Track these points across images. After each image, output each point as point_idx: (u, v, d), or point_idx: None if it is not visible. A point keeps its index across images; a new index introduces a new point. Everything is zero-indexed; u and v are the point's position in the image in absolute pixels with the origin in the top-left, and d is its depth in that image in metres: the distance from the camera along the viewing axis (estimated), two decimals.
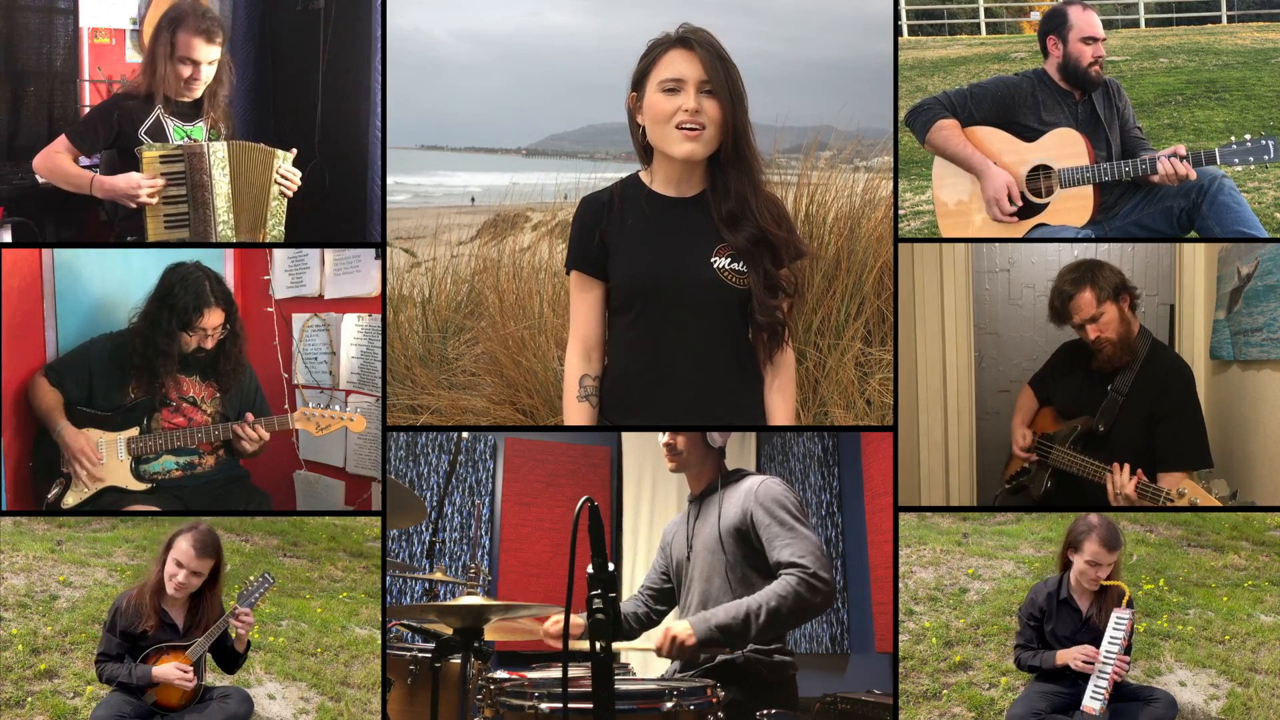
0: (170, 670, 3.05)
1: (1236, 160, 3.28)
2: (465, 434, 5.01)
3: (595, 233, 2.47)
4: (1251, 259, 3.60)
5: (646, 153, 2.49)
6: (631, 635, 3.14)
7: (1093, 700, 2.91)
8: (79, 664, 3.61)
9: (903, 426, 3.82)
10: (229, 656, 3.21)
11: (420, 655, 2.97)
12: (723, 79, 2.37)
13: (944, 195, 3.56)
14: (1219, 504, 3.07)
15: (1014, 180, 3.40)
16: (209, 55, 3.43)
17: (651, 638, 2.66)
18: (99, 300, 3.73)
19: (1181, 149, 3.30)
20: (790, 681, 2.83)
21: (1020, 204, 3.41)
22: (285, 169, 3.52)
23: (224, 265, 4.00)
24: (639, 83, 2.44)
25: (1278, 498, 3.43)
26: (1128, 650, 2.96)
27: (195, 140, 3.47)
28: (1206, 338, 3.84)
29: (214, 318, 3.50)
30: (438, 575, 3.44)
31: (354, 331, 3.91)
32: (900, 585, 3.84)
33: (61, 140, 3.46)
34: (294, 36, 4.12)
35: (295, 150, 3.56)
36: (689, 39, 2.39)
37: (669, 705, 2.37)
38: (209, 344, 3.52)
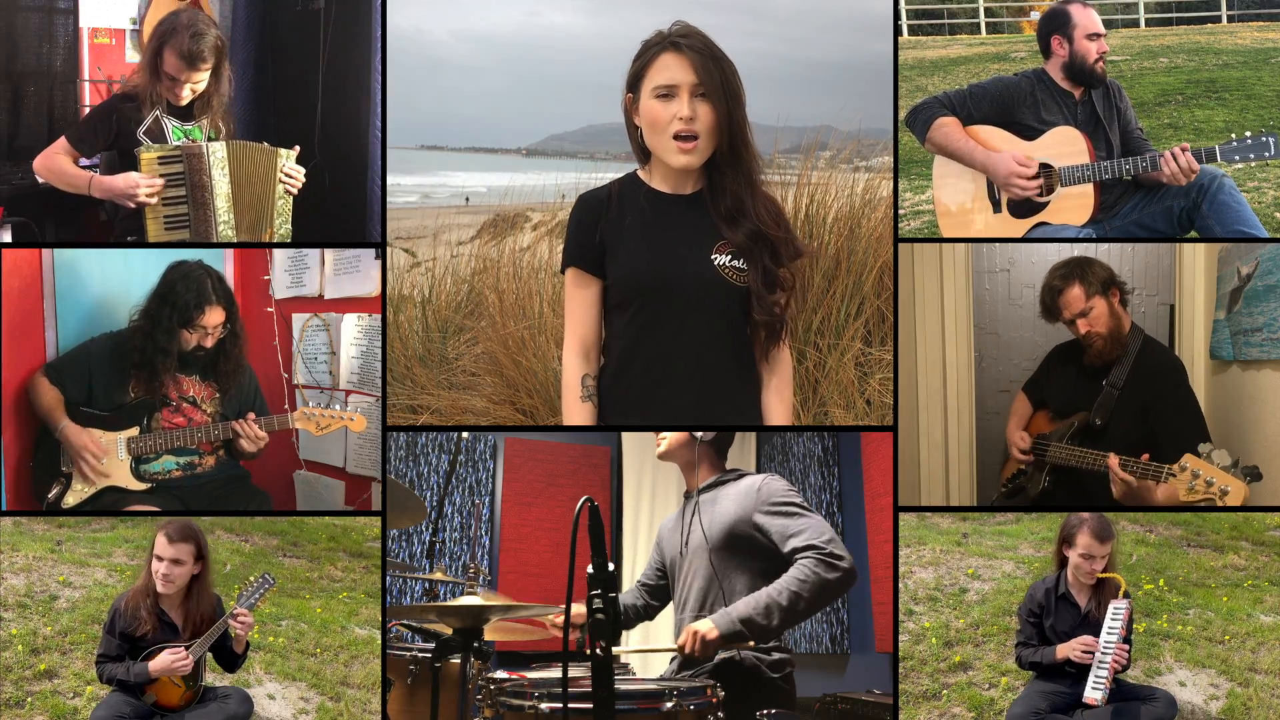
0: (164, 658, 3.03)
1: (1237, 157, 3.28)
2: (465, 434, 5.00)
3: (594, 230, 2.46)
4: (1251, 259, 3.60)
5: (644, 152, 2.48)
6: (628, 626, 3.16)
7: (1094, 691, 2.92)
8: (79, 664, 3.61)
9: (903, 426, 3.82)
10: (229, 657, 3.21)
11: (420, 655, 2.97)
12: (716, 81, 2.35)
13: (944, 198, 3.57)
14: (1226, 474, 2.99)
15: (1020, 154, 3.40)
16: (195, 77, 3.41)
17: (674, 640, 2.68)
18: (99, 300, 3.73)
19: (1185, 146, 3.30)
20: (789, 680, 2.83)
21: (1036, 168, 3.40)
22: (289, 167, 3.51)
23: (224, 265, 4.00)
24: (634, 84, 2.43)
25: (1278, 498, 3.42)
26: (1127, 640, 2.99)
27: (194, 141, 3.47)
28: (1206, 338, 3.84)
29: (215, 316, 3.50)
30: (438, 575, 3.44)
31: (354, 331, 3.91)
32: (900, 585, 3.84)
33: (61, 142, 3.46)
34: (294, 36, 4.12)
35: (299, 148, 3.55)
36: (679, 42, 2.36)
37: (669, 705, 2.37)
38: (209, 342, 3.52)
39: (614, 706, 2.04)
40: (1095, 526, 3.07)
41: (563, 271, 2.52)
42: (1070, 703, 3.02)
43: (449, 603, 2.87)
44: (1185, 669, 3.58)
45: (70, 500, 3.41)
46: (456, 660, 2.86)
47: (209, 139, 3.50)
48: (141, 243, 3.46)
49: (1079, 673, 3.00)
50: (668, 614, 3.13)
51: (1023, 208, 3.47)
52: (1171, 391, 3.33)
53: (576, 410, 2.48)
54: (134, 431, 3.45)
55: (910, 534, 4.02)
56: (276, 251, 4.09)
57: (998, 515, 4.15)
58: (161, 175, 3.40)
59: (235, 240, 3.54)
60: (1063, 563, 3.16)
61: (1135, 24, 9.77)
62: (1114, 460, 3.17)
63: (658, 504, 5.28)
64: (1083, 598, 3.11)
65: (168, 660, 3.04)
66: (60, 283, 3.62)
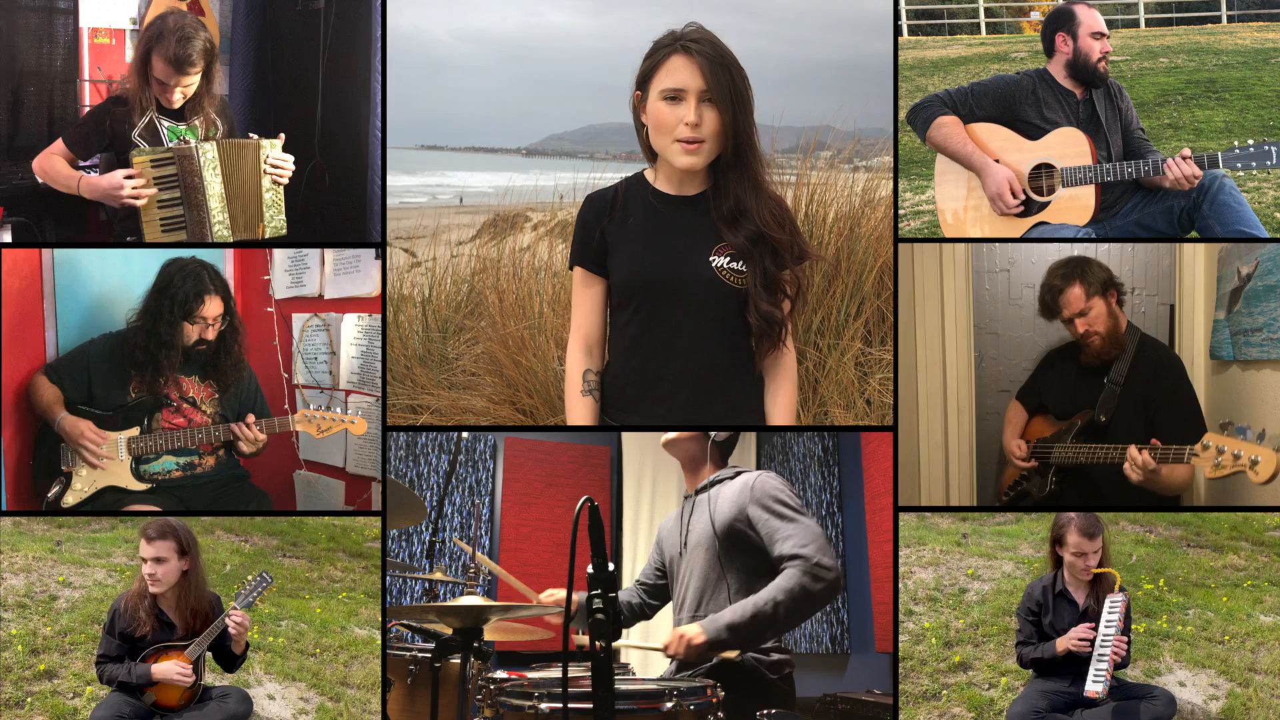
0: (170, 668, 3.05)
1: (1239, 165, 3.31)
2: (465, 434, 5.00)
3: (597, 229, 2.48)
4: (1251, 259, 3.60)
5: (651, 150, 2.48)
6: (625, 623, 3.15)
7: (1094, 683, 2.93)
8: (78, 664, 3.61)
9: (903, 426, 3.82)
10: (228, 656, 3.21)
11: (420, 655, 2.97)
12: (725, 87, 2.35)
13: (944, 203, 3.58)
14: (1253, 444, 2.93)
15: (1014, 175, 3.43)
16: (185, 81, 3.39)
17: (660, 639, 2.67)
18: (99, 300, 3.73)
19: (1186, 152, 3.32)
20: (788, 680, 2.83)
21: (1023, 197, 3.44)
22: (275, 156, 3.49)
23: (224, 265, 3.99)
24: (643, 83, 2.43)
25: (1278, 498, 3.42)
26: (1125, 633, 3.00)
27: (186, 142, 3.46)
28: (1206, 338, 3.84)
29: (214, 306, 3.50)
30: (438, 575, 3.44)
31: (354, 331, 3.91)
32: (900, 585, 3.84)
33: (58, 144, 3.46)
34: (294, 36, 4.12)
35: (283, 135, 3.52)
36: (691, 46, 2.36)
37: (669, 705, 2.37)
38: (210, 335, 3.52)
39: (614, 706, 2.04)
40: (1082, 524, 3.11)
41: (571, 269, 2.55)
42: (1070, 702, 3.03)
43: (449, 603, 2.86)
44: (1185, 669, 3.58)
45: (70, 500, 3.41)
46: (456, 660, 2.86)
47: (206, 138, 3.49)
48: (141, 242, 3.46)
49: (1078, 672, 3.01)
50: (667, 614, 3.13)
51: (1024, 207, 3.47)
52: (1173, 385, 3.36)
53: (577, 404, 2.50)
54: (134, 432, 3.45)
55: (910, 534, 4.02)
56: (276, 251, 4.09)
57: (997, 515, 4.15)
58: (155, 178, 3.39)
59: (230, 240, 3.53)
60: (1058, 562, 3.19)
61: (1135, 24, 9.76)
62: (1134, 449, 3.15)
63: (658, 504, 5.28)
64: (1080, 594, 3.15)
65: (172, 670, 3.05)
66: (60, 282, 3.62)
